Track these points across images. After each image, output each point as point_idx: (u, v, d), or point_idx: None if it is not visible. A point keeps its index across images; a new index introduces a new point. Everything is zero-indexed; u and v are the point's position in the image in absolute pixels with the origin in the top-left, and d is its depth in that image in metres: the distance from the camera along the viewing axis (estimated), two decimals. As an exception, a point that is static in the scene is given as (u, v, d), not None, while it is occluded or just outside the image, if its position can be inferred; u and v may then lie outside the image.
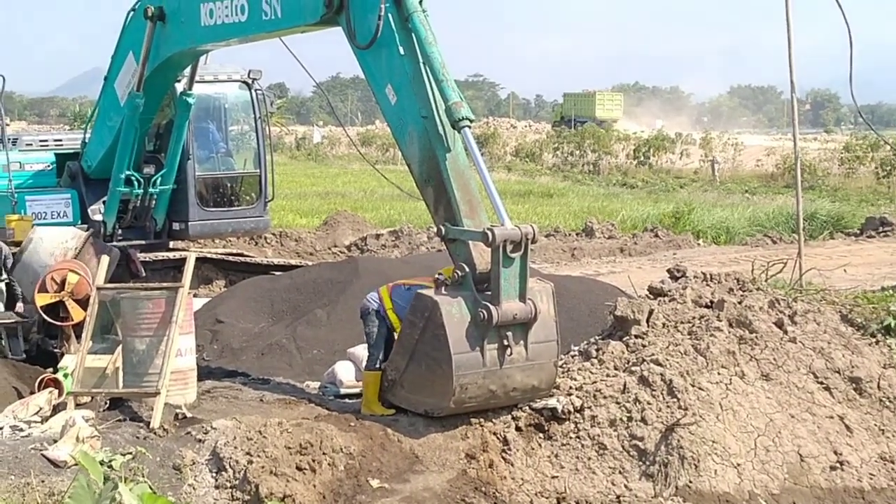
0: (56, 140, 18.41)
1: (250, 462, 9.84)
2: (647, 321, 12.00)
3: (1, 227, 16.65)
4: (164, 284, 12.40)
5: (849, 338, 12.40)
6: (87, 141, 17.23)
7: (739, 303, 12.33)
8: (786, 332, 12.06)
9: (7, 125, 18.41)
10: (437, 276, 11.02)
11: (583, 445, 10.80)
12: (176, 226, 17.76)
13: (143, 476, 9.20)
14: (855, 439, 11.35)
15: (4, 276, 14.09)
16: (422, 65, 11.10)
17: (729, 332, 11.84)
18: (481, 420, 10.84)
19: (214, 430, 10.17)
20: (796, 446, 11.07)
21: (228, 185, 18.55)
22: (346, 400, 12.13)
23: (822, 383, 11.73)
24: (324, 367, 13.28)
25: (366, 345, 11.71)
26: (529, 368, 10.76)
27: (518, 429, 10.90)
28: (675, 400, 10.98)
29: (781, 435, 11.08)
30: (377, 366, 11.39)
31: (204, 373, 12.88)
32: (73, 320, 13.41)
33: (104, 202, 16.81)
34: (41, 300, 13.49)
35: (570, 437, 10.84)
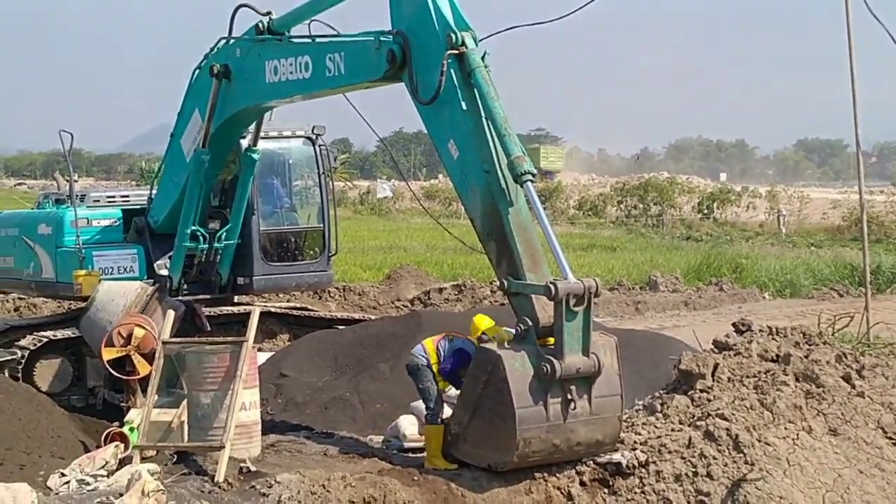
0: (123, 196, 18.56)
1: (314, 516, 9.86)
2: (713, 375, 11.91)
3: (69, 283, 16.83)
4: (229, 339, 12.49)
5: (918, 392, 12.24)
6: (153, 197, 17.39)
7: (806, 357, 12.21)
8: (853, 387, 11.93)
9: (75, 181, 18.57)
10: (480, 336, 11.21)
11: (648, 500, 10.71)
12: (240, 280, 17.82)
13: (208, 530, 9.23)
14: (925, 495, 11.18)
15: None
16: (484, 120, 11.16)
17: (795, 387, 11.72)
18: (545, 474, 10.79)
19: (278, 484, 10.19)
20: (865, 502, 10.91)
21: (292, 239, 18.62)
22: (410, 454, 12.12)
23: (891, 438, 11.57)
24: (387, 421, 13.28)
25: (428, 399, 11.72)
26: (593, 423, 10.70)
27: (582, 483, 10.84)
28: (741, 455, 10.88)
29: (850, 491, 10.93)
30: (439, 420, 11.38)
31: (268, 427, 12.92)
32: (138, 374, 13.54)
33: (170, 257, 16.92)
34: (108, 354, 13.63)
35: (635, 492, 10.76)
